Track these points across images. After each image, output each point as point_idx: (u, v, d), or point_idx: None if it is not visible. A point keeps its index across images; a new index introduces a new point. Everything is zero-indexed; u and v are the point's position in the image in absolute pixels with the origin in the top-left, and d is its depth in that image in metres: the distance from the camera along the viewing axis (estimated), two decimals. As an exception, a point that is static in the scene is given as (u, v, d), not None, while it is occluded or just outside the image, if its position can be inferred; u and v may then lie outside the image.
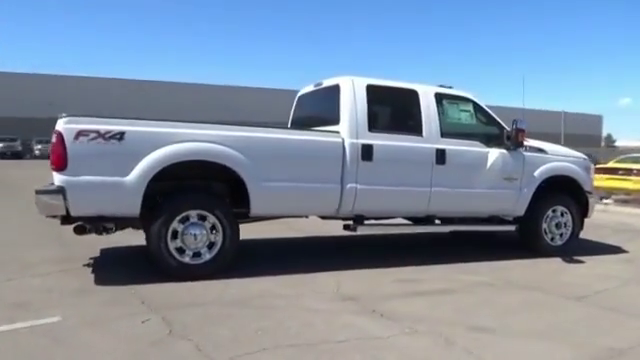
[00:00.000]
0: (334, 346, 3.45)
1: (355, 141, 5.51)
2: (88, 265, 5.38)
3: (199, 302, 4.29)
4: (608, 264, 6.34)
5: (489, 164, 6.17)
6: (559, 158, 6.74)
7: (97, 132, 4.61)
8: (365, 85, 5.76)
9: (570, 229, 6.79)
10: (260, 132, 5.27)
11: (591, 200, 6.92)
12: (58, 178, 4.58)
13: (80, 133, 4.57)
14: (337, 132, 5.54)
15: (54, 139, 4.60)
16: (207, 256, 5.02)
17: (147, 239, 4.90)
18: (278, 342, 3.46)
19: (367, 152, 5.54)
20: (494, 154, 6.21)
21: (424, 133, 5.88)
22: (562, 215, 6.74)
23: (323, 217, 5.90)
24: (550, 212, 6.67)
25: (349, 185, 5.49)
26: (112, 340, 3.44)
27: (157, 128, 4.87)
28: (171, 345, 3.40)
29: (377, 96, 5.84)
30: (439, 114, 6.03)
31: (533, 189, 6.47)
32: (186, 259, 4.95)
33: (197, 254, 4.99)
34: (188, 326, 3.71)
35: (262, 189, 5.14)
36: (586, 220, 6.99)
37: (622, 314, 4.38)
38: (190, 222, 4.95)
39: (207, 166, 4.97)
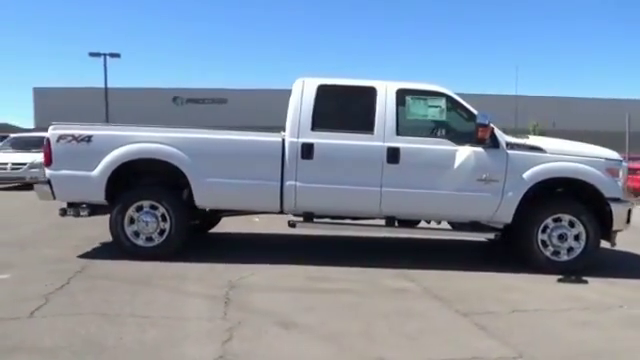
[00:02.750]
0: (143, 320, 3.86)
1: (295, 140, 5.70)
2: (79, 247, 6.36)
3: (117, 276, 5.10)
4: (609, 291, 5.18)
5: (457, 164, 5.63)
6: (563, 158, 5.71)
7: (72, 136, 5.82)
8: (317, 85, 5.88)
9: (583, 243, 5.69)
10: (203, 134, 5.89)
11: (617, 208, 5.66)
12: (47, 172, 5.92)
13: (60, 137, 5.83)
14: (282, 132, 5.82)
15: (45, 142, 5.97)
16: (156, 241, 5.83)
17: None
18: (114, 311, 4.04)
19: (307, 151, 5.67)
20: (464, 153, 5.64)
21: (375, 131, 5.71)
22: (571, 225, 5.70)
23: (278, 213, 6.15)
24: (550, 221, 5.70)
25: (288, 183, 5.70)
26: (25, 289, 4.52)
27: (116, 132, 5.89)
28: (48, 298, 4.31)
29: (329, 96, 5.89)
30: (398, 111, 5.78)
31: (521, 193, 5.65)
32: (140, 242, 5.83)
33: (149, 238, 5.84)
34: (79, 291, 4.54)
35: (204, 184, 5.73)
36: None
37: (490, 335, 3.78)
38: (144, 211, 5.82)
39: (155, 163, 5.78)
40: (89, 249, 6.24)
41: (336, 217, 6.07)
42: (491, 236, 5.85)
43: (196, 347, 3.37)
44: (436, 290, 4.88)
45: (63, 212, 6.05)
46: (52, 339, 3.47)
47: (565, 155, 5.73)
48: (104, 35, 69.38)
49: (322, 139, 5.70)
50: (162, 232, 5.82)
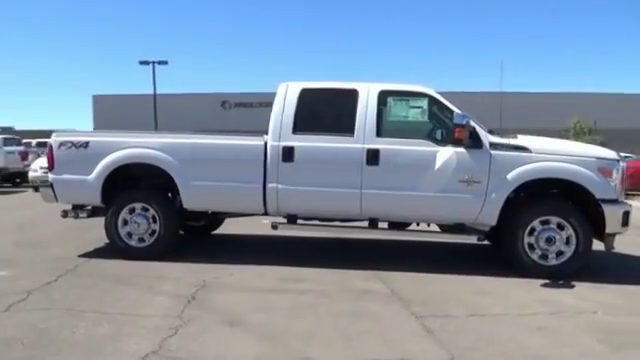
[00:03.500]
0: (103, 316, 4.08)
1: (277, 143, 5.80)
2: (86, 247, 6.72)
3: (103, 274, 5.37)
4: (589, 297, 4.97)
5: (438, 165, 5.54)
6: (549, 157, 5.51)
7: (71, 142, 6.18)
8: (300, 89, 5.96)
9: (573, 246, 5.47)
10: (190, 138, 6.11)
11: (610, 210, 5.40)
12: (50, 176, 6.31)
13: (61, 143, 6.20)
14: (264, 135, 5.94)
15: (48, 149, 6.36)
16: (148, 241, 6.09)
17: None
18: (81, 307, 4.29)
19: (288, 154, 5.76)
20: (445, 153, 5.55)
21: (355, 133, 5.72)
22: (560, 228, 5.49)
23: (262, 215, 6.27)
24: (537, 223, 5.51)
25: (270, 185, 5.81)
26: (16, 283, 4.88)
27: (110, 137, 6.20)
28: (29, 294, 4.62)
29: (312, 99, 5.96)
30: (379, 113, 5.77)
31: (505, 194, 5.50)
32: (132, 242, 6.11)
33: (141, 239, 6.11)
34: (60, 288, 4.84)
35: (191, 187, 5.94)
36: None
37: (432, 339, 3.74)
38: (136, 213, 6.10)
39: (146, 167, 6.05)
40: (92, 249, 6.58)
41: (324, 219, 6.12)
42: (474, 239, 5.71)
43: (136, 342, 3.54)
44: (404, 292, 4.85)
45: (64, 214, 6.42)
46: (13, 331, 3.73)
47: (552, 155, 5.53)
48: (154, 42, 72.69)
49: (303, 142, 5.78)
50: (153, 233, 6.08)
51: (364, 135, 5.70)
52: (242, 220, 6.97)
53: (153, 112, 33.48)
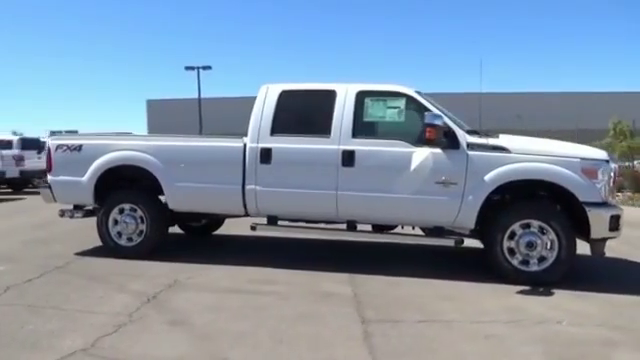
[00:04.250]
0: (59, 312, 4.26)
1: (255, 145, 5.84)
2: (87, 245, 6.99)
3: (85, 272, 5.57)
4: (559, 305, 4.71)
5: (414, 166, 5.40)
6: (529, 158, 5.24)
7: (67, 145, 6.46)
8: (279, 91, 5.98)
9: (556, 252, 5.19)
10: (173, 140, 6.25)
11: (596, 213, 5.09)
12: (48, 177, 6.63)
13: (58, 146, 6.51)
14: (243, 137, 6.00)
15: (46, 151, 6.69)
16: (135, 241, 6.28)
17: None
18: (43, 303, 4.49)
19: (266, 155, 5.79)
20: (421, 154, 5.40)
21: (332, 134, 5.67)
22: (542, 232, 5.22)
23: (244, 216, 6.30)
24: (518, 227, 5.27)
25: (249, 187, 5.86)
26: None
27: (100, 141, 6.44)
28: (7, 290, 4.87)
29: (291, 101, 5.96)
30: (356, 113, 5.69)
31: (482, 196, 5.29)
32: (122, 242, 6.32)
33: (130, 239, 6.31)
34: (37, 285, 5.09)
35: (175, 188, 6.08)
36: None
37: (366, 344, 3.66)
38: (125, 213, 6.31)
39: (133, 169, 6.24)
40: (91, 247, 6.83)
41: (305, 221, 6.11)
42: (451, 242, 5.53)
43: (73, 339, 3.64)
44: (367, 296, 4.77)
45: (62, 213, 6.73)
46: (-29, 325, 3.95)
47: (533, 155, 5.27)
48: (204, 47, 75.25)
49: (280, 143, 5.79)
50: (141, 233, 6.26)
51: (340, 136, 5.65)
52: (243, 220, 7.04)
53: (203, 114, 34.45)
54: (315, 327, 3.94)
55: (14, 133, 22.04)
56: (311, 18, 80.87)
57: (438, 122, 5.20)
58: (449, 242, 5.51)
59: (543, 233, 5.22)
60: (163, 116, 45.51)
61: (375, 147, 5.57)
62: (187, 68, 33.29)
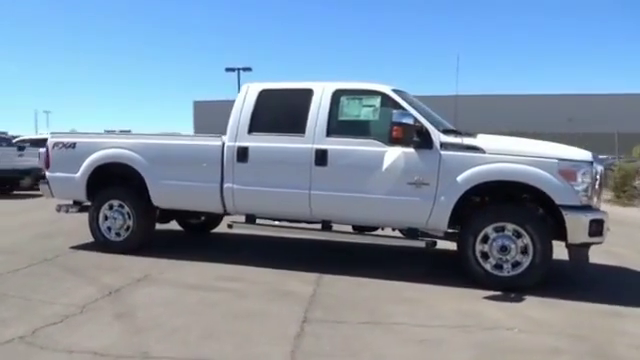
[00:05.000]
0: (23, 302, 4.44)
1: (233, 144, 5.89)
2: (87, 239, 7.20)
3: (68, 265, 5.76)
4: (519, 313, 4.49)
5: (386, 165, 5.30)
6: (504, 158, 5.03)
7: (63, 143, 6.75)
8: (259, 90, 6.02)
9: (530, 256, 4.96)
10: (156, 139, 6.40)
11: (573, 217, 4.82)
12: (46, 174, 6.93)
13: (55, 144, 6.80)
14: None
15: (45, 148, 6.99)
16: (123, 236, 6.47)
17: (89, 220, 6.73)
18: (13, 293, 4.70)
19: (243, 154, 5.83)
20: (393, 154, 5.29)
21: (306, 133, 5.64)
22: (517, 236, 5.00)
23: (223, 214, 6.34)
24: (491, 230, 5.07)
25: (226, 185, 5.92)
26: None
27: (92, 139, 6.67)
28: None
29: (270, 100, 5.98)
30: (331, 112, 5.64)
31: (455, 197, 5.12)
32: (111, 237, 6.53)
33: (118, 234, 6.51)
34: (17, 276, 5.32)
35: (158, 185, 6.22)
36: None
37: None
38: (114, 209, 6.51)
39: (121, 166, 6.43)
40: (89, 242, 7.08)
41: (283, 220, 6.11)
42: (422, 244, 5.37)
43: (18, 327, 3.80)
44: (325, 296, 4.73)
45: (59, 208, 7.02)
46: None
47: (508, 155, 5.05)
48: (243, 48, 76.94)
49: (257, 142, 5.82)
50: (128, 228, 6.45)
51: (314, 135, 5.61)
52: (241, 219, 7.12)
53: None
54: (253, 325, 3.93)
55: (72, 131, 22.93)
56: (355, 20, 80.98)
57: (406, 120, 5.07)
58: (420, 244, 5.37)
59: (518, 237, 5.00)
60: (209, 116, 46.39)
61: (348, 146, 5.50)
62: (227, 69, 33.91)
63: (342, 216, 5.68)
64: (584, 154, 5.10)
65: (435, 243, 5.44)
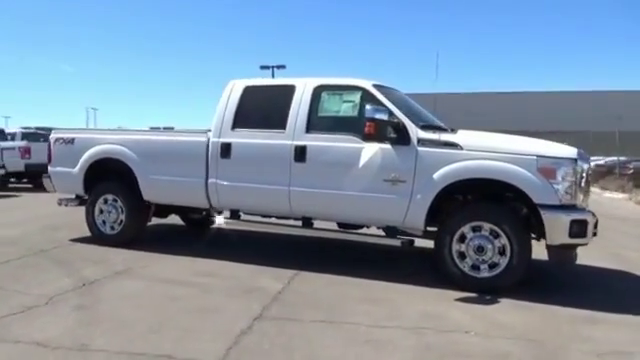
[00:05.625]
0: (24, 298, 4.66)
1: (217, 140, 5.93)
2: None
3: (60, 256, 5.94)
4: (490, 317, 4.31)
5: (363, 162, 5.20)
6: (483, 155, 4.83)
7: (63, 139, 6.97)
8: (243, 87, 6.03)
9: (507, 257, 4.76)
10: (145, 135, 6.51)
11: (552, 217, 4.59)
12: (49, 168, 7.17)
13: (56, 140, 7.03)
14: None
15: (48, 144, 7.23)
16: (116, 230, 6.62)
17: (86, 214, 6.92)
18: (3, 284, 4.89)
19: (226, 150, 5.85)
20: (371, 150, 5.18)
21: (287, 129, 5.61)
22: (495, 236, 4.81)
23: (209, 209, 6.37)
24: (468, 229, 4.89)
25: (210, 180, 5.96)
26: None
27: (88, 135, 6.85)
28: None
29: (254, 96, 5.98)
30: (312, 108, 5.58)
31: (431, 195, 4.97)
32: (106, 230, 6.70)
33: (112, 227, 6.67)
34: (9, 267, 5.60)
35: (148, 180, 6.33)
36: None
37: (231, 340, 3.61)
38: (108, 203, 6.67)
39: (115, 162, 6.58)
40: (88, 234, 7.28)
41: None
42: (397, 243, 5.24)
43: (-21, 316, 3.96)
44: (291, 293, 4.69)
45: (59, 202, 7.25)
46: None
47: (486, 152, 4.85)
48: (277, 46, 77.70)
49: (239, 138, 5.83)
50: (121, 222, 6.60)
51: (294, 131, 5.58)
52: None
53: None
54: (204, 321, 3.93)
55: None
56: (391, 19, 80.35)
57: (379, 116, 4.95)
58: (396, 242, 5.24)
59: (495, 237, 4.81)
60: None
61: (326, 142, 5.43)
62: (262, 67, 34.14)
63: (321, 213, 5.62)
64: (567, 151, 4.84)
65: (412, 242, 5.31)
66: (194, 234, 7.70)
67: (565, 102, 42.30)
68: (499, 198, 5.13)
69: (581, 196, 4.86)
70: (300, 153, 5.48)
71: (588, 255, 6.57)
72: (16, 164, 14.48)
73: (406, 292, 4.83)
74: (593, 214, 4.84)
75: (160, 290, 4.73)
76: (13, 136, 16.37)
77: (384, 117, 4.97)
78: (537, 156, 4.71)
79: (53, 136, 7.09)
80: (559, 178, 4.65)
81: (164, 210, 7.11)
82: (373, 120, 4.95)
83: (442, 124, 5.98)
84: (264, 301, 4.43)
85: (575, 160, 4.74)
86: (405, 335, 3.73)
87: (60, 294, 4.53)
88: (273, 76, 34.14)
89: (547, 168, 4.67)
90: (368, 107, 5.04)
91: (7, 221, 8.60)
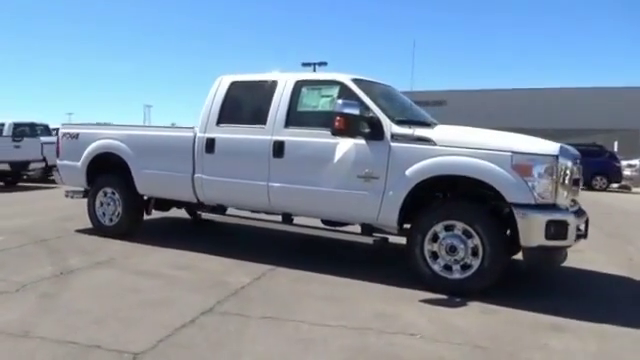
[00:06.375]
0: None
1: (202, 135, 5.98)
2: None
3: (55, 246, 6.20)
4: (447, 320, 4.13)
5: (337, 158, 5.10)
6: (456, 151, 4.62)
7: (69, 134, 7.25)
8: (230, 82, 6.05)
9: (479, 259, 4.54)
10: (139, 130, 6.67)
11: (526, 217, 4.34)
12: (57, 162, 7.47)
13: (64, 135, 7.32)
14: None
15: (56, 138, 7.53)
16: (114, 222, 6.82)
17: (88, 206, 7.16)
18: None
19: (210, 145, 5.90)
20: (345, 146, 5.07)
21: (267, 124, 5.59)
22: (467, 236, 4.60)
23: (196, 203, 6.42)
24: (440, 228, 4.70)
25: (196, 175, 6.03)
26: None
27: (91, 130, 7.08)
28: None
29: (239, 91, 6.01)
30: (291, 103, 5.53)
31: (404, 192, 4.80)
32: (105, 222, 6.92)
33: (111, 219, 6.88)
34: (10, 254, 5.88)
35: (141, 174, 6.48)
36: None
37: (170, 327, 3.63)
38: (107, 196, 6.89)
39: (113, 156, 6.76)
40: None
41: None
42: (370, 241, 5.11)
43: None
44: (253, 288, 4.68)
45: (66, 194, 7.54)
46: None
47: (460, 148, 4.64)
48: (317, 44, 77.85)
49: (223, 134, 5.86)
50: (118, 214, 6.80)
51: (274, 126, 5.55)
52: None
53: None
54: (153, 313, 3.96)
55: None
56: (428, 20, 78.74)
57: (348, 110, 4.83)
58: (368, 240, 5.11)
59: (468, 237, 4.60)
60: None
61: (303, 138, 5.37)
62: (304, 64, 34.03)
63: (299, 209, 5.57)
64: (546, 147, 4.56)
65: (386, 240, 5.17)
66: (196, 228, 7.80)
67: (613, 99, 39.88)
68: (481, 197, 4.91)
69: (565, 195, 4.56)
70: (278, 148, 5.44)
71: (596, 259, 6.27)
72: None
73: (372, 291, 4.71)
74: (581, 214, 4.55)
75: (128, 281, 4.82)
76: (57, 131, 17.19)
77: (354, 111, 4.84)
78: (512, 152, 4.46)
79: (61, 131, 7.39)
80: (535, 175, 4.39)
81: (165, 203, 7.26)
82: (342, 115, 4.83)
83: (431, 120, 5.81)
84: (222, 296, 4.43)
85: (556, 157, 4.46)
86: (345, 335, 3.63)
87: (34, 282, 4.70)
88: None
89: (522, 165, 4.41)
90: (339, 101, 4.93)
91: (27, 211, 9.07)
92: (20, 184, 14.24)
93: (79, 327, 3.65)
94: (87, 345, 3.33)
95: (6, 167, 13.30)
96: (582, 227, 4.73)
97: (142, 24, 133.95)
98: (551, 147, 4.56)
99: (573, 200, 5.01)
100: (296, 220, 5.82)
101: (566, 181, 4.56)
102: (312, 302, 4.33)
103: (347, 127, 4.87)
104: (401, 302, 4.41)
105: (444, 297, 4.54)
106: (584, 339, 3.73)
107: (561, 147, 4.58)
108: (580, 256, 6.59)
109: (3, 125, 15.72)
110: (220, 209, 6.19)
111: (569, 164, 4.59)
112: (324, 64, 28.88)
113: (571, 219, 4.44)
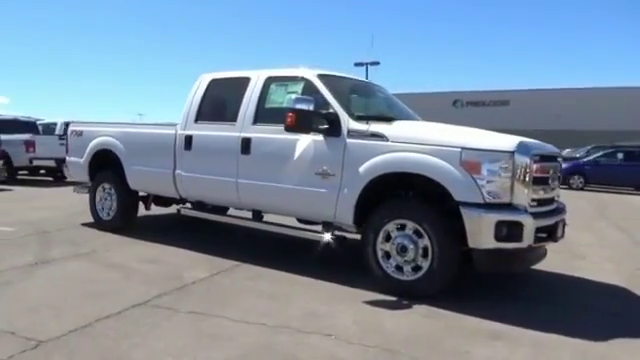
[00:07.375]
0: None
1: (182, 132, 6.10)
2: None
3: (58, 238, 6.55)
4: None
5: (297, 155, 5.04)
6: (407, 147, 4.41)
7: (75, 131, 7.62)
8: (209, 80, 6.13)
9: (429, 260, 4.32)
10: (129, 127, 6.89)
11: (474, 216, 4.08)
12: (66, 158, 7.86)
13: (71, 132, 7.70)
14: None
15: (66, 136, 7.92)
16: (110, 216, 7.10)
17: (90, 201, 7.48)
18: None
19: (188, 142, 6.01)
20: (304, 142, 5.00)
21: (237, 121, 5.61)
22: (417, 236, 4.40)
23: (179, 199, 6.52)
24: (393, 227, 4.52)
25: (177, 171, 6.16)
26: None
27: (92, 128, 7.38)
28: None
29: (217, 89, 6.07)
30: (260, 99, 5.52)
31: (358, 190, 4.66)
32: (104, 216, 7.21)
33: (108, 214, 7.16)
34: (9, 245, 6.27)
35: (132, 171, 6.71)
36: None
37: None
38: (105, 191, 7.17)
39: (109, 152, 7.03)
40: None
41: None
42: (327, 238, 4.98)
43: None
44: (203, 284, 4.72)
45: (74, 189, 7.91)
46: None
47: (410, 144, 4.44)
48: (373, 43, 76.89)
49: (199, 131, 5.95)
50: (115, 209, 7.07)
51: (243, 123, 5.56)
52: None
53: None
54: (90, 304, 4.00)
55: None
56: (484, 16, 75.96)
57: (300, 106, 4.74)
58: (325, 238, 5.00)
59: (419, 237, 4.40)
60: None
61: (268, 134, 5.35)
62: (356, 64, 34.04)
63: (265, 206, 5.56)
64: (501, 142, 4.27)
65: (345, 239, 5.03)
66: (192, 225, 7.91)
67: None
68: (439, 195, 4.67)
69: (525, 194, 4.24)
70: (246, 145, 5.46)
71: (600, 267, 5.90)
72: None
73: (317, 290, 4.61)
74: (553, 214, 4.25)
75: (90, 273, 4.99)
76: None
77: (307, 107, 4.75)
78: (462, 148, 4.22)
79: (70, 129, 7.78)
80: (484, 173, 4.12)
81: (165, 199, 7.45)
82: (294, 110, 4.75)
83: (415, 117, 5.65)
84: (167, 289, 4.48)
85: (512, 153, 4.16)
86: (258, 332, 3.57)
87: (4, 271, 4.96)
88: (367, 73, 33.97)
89: (471, 161, 4.16)
90: (292, 97, 4.87)
91: (48, 205, 9.60)
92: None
93: (9, 313, 3.81)
94: (4, 331, 3.48)
95: (52, 163, 14.21)
96: (552, 228, 4.41)
97: (203, 27, 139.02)
98: (507, 143, 4.26)
99: (552, 199, 4.67)
100: (268, 218, 5.80)
101: (526, 179, 4.24)
102: (248, 299, 4.30)
103: (298, 123, 4.78)
104: (341, 302, 4.28)
105: (392, 299, 4.37)
106: (515, 348, 3.47)
107: (520, 143, 4.27)
108: (580, 263, 6.17)
109: (55, 124, 16.75)
110: (200, 205, 6.26)
111: (528, 161, 4.25)
112: (376, 64, 28.31)
113: (527, 220, 4.12)
